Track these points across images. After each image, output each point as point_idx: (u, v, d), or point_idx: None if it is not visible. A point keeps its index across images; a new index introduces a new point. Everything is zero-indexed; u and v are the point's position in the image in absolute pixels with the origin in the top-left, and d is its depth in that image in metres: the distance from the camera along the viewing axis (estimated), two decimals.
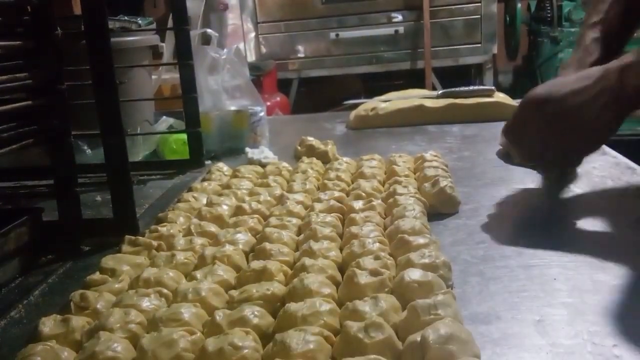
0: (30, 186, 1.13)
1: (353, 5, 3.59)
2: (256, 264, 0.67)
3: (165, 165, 1.26)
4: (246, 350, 0.51)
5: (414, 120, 1.51)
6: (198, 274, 0.67)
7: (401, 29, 3.59)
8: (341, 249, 0.73)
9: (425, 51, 3.54)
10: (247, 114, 1.34)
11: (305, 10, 3.63)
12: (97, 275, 0.70)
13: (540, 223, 0.84)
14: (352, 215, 0.82)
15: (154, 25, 1.92)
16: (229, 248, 0.73)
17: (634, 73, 0.76)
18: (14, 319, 0.67)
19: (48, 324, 0.58)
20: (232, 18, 3.53)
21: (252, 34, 3.69)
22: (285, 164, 1.12)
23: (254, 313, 0.57)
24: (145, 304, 0.61)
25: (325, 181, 0.99)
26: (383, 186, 0.97)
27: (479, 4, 3.54)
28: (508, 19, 4.20)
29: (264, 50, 3.71)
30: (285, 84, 3.69)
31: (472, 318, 0.59)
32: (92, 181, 1.06)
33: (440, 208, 0.88)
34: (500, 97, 1.55)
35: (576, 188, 0.95)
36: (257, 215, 0.86)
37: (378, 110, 1.54)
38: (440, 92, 1.60)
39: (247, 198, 0.93)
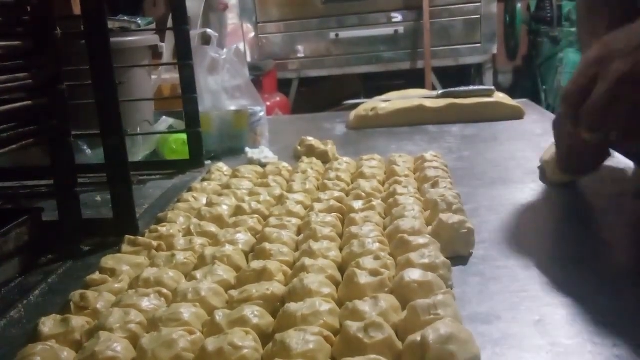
0: (30, 186, 1.13)
1: (353, 5, 3.59)
2: (256, 264, 0.67)
3: (165, 165, 1.26)
4: (246, 350, 0.51)
5: (413, 120, 1.51)
6: (198, 274, 0.67)
7: (401, 29, 3.59)
8: (341, 249, 0.73)
9: (425, 51, 3.54)
10: (247, 114, 1.34)
11: (305, 10, 3.63)
12: (97, 275, 0.70)
13: (540, 223, 0.84)
14: (352, 215, 0.82)
15: (153, 25, 1.92)
16: (228, 248, 0.73)
17: None
18: (14, 319, 0.67)
19: (48, 324, 0.58)
20: (232, 18, 3.53)
21: (252, 34, 3.69)
22: (285, 164, 1.12)
23: (253, 313, 0.57)
24: (145, 304, 0.61)
25: (325, 181, 0.99)
26: (383, 186, 0.97)
27: (479, 4, 3.54)
28: (508, 19, 4.20)
29: (263, 50, 3.71)
30: (285, 84, 3.69)
31: (472, 318, 0.59)
32: (92, 181, 1.05)
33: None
34: (500, 97, 1.55)
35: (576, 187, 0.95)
36: (256, 215, 0.86)
37: (378, 110, 1.54)
38: (440, 92, 1.60)
39: (247, 198, 0.93)
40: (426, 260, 0.65)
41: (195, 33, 1.34)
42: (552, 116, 1.54)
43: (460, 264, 0.71)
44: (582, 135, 0.74)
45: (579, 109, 0.73)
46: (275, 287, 0.63)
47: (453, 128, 1.44)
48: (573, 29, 3.75)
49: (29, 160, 1.09)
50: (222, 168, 1.13)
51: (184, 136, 1.26)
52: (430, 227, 0.76)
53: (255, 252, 0.74)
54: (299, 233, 0.80)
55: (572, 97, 0.74)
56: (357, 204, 0.85)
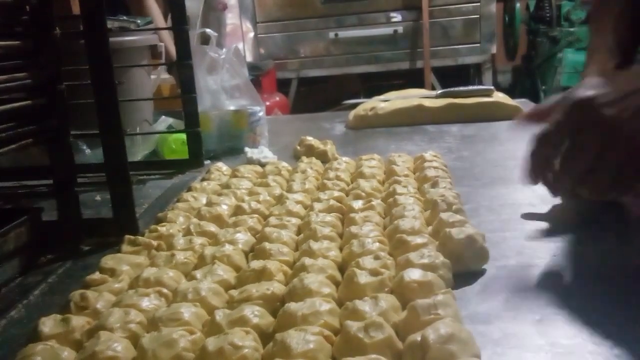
0: (30, 186, 1.13)
1: (352, 5, 3.59)
2: (256, 264, 0.67)
3: (165, 165, 1.26)
4: (246, 350, 0.51)
5: (413, 120, 1.51)
6: (198, 274, 0.67)
7: (400, 29, 3.59)
8: (341, 249, 0.73)
9: (425, 51, 3.55)
10: (247, 113, 1.34)
11: (305, 10, 3.63)
12: (97, 275, 0.70)
13: (540, 222, 0.84)
14: (352, 215, 0.82)
15: (152, 25, 1.92)
16: (228, 248, 0.73)
17: None
18: (14, 319, 0.67)
19: (48, 324, 0.58)
20: (231, 18, 3.53)
21: (251, 34, 3.69)
22: (284, 164, 1.12)
23: (254, 313, 0.57)
24: (145, 303, 0.61)
25: (325, 181, 0.99)
26: (382, 186, 0.97)
27: (478, 4, 3.54)
28: (507, 18, 4.21)
29: (263, 50, 3.71)
30: (284, 84, 3.69)
31: (472, 318, 0.59)
32: (92, 181, 1.05)
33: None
34: (499, 96, 1.55)
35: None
36: (256, 215, 0.86)
37: (377, 110, 1.54)
38: (440, 91, 1.60)
39: (246, 198, 0.93)
40: (426, 260, 0.65)
41: (194, 33, 1.33)
42: None
43: None
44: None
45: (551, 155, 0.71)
46: (275, 287, 0.62)
47: (452, 128, 1.44)
48: (572, 29, 3.76)
49: (29, 160, 1.09)
50: (221, 168, 1.13)
51: (183, 136, 1.26)
52: (430, 227, 0.76)
53: (255, 251, 0.74)
54: (298, 233, 0.80)
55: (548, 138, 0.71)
56: (357, 204, 0.85)
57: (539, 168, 0.74)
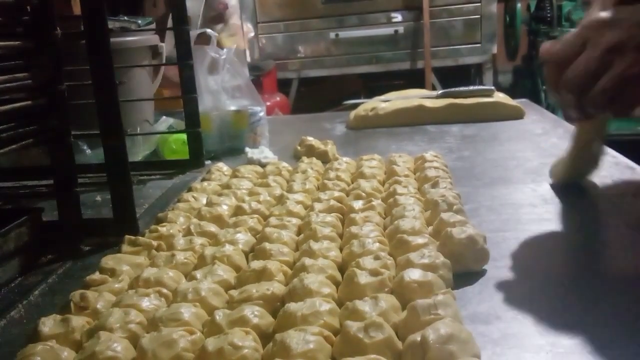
0: (30, 186, 1.13)
1: (353, 5, 3.59)
2: (256, 264, 0.67)
3: (165, 165, 1.26)
4: (246, 350, 0.51)
5: (413, 120, 1.52)
6: (198, 274, 0.67)
7: (401, 29, 3.59)
8: (341, 249, 0.73)
9: (425, 51, 3.54)
10: (247, 114, 1.35)
11: (305, 10, 3.63)
12: (97, 275, 0.70)
13: (540, 222, 0.84)
14: (352, 215, 0.82)
15: (153, 25, 1.92)
16: (228, 248, 0.73)
17: None
18: (14, 319, 0.67)
19: (48, 324, 0.58)
20: (232, 18, 3.53)
21: (252, 34, 3.69)
22: (285, 164, 1.12)
23: (253, 313, 0.57)
24: (145, 303, 0.61)
25: (325, 181, 0.99)
26: (383, 186, 0.97)
27: (479, 4, 3.54)
28: (508, 19, 4.20)
29: (263, 50, 3.71)
30: (285, 84, 3.69)
31: (472, 318, 0.59)
32: (92, 181, 1.06)
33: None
34: (500, 97, 1.55)
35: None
36: (257, 215, 0.86)
37: (378, 110, 1.54)
38: (440, 92, 1.60)
39: (247, 198, 0.93)
40: (426, 260, 0.65)
41: (195, 33, 1.33)
42: (552, 116, 1.55)
43: None
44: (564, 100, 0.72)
45: (562, 72, 0.71)
46: (275, 287, 0.62)
47: (453, 128, 1.44)
48: (573, 29, 3.75)
49: (29, 160, 1.09)
50: (222, 168, 1.13)
51: (183, 136, 1.26)
52: (430, 227, 0.76)
53: (255, 252, 0.74)
54: (299, 233, 0.80)
55: (557, 57, 0.72)
56: (357, 204, 0.85)
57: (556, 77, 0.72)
